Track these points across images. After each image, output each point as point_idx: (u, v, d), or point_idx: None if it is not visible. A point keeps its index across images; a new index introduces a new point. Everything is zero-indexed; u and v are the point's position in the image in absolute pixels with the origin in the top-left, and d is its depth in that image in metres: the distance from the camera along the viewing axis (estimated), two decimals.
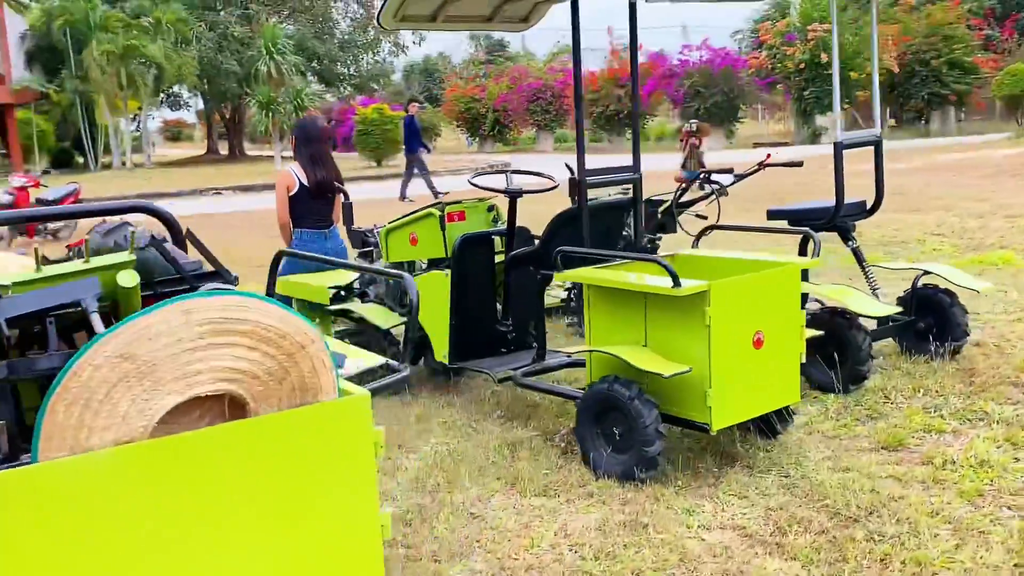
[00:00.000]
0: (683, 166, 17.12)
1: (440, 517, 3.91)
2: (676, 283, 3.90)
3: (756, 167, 6.52)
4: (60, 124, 42.40)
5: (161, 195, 23.36)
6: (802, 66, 33.20)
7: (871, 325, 5.67)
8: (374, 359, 2.85)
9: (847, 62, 33.21)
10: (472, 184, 5.24)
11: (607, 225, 5.05)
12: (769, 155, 6.38)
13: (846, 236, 5.73)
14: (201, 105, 50.20)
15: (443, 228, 5.30)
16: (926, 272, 5.74)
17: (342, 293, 5.97)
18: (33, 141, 39.85)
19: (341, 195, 6.57)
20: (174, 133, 79.26)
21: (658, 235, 6.82)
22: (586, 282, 4.33)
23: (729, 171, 6.71)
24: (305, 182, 6.43)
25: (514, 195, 5.15)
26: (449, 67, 59.44)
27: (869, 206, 5.78)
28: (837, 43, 5.46)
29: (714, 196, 6.61)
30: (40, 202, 15.44)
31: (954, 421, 4.73)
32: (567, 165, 6.18)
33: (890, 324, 5.69)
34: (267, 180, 27.04)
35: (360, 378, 2.74)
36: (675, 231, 6.76)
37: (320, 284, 6.03)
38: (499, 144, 44.06)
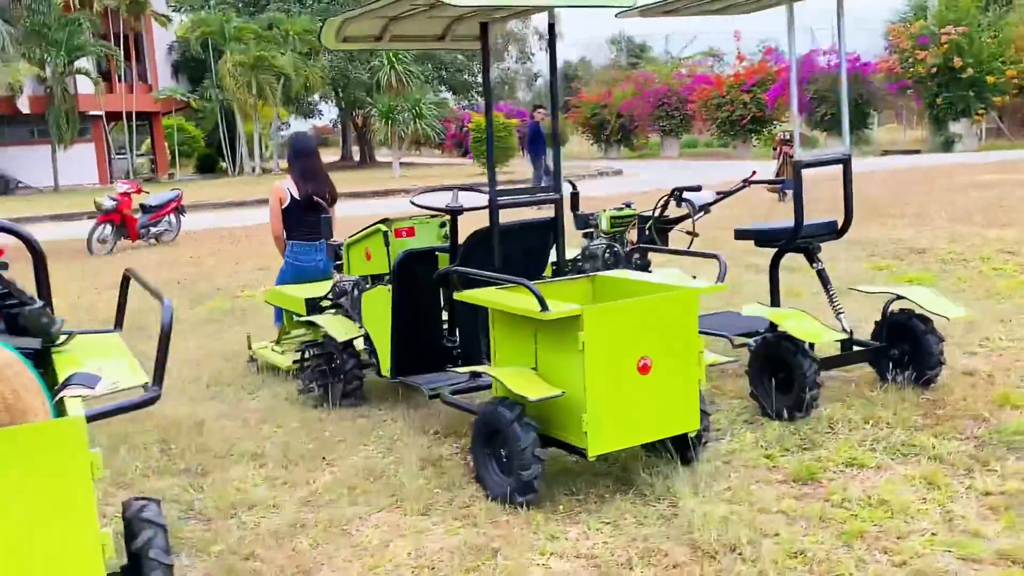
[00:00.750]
0: (776, 175, 16.73)
1: (312, 532, 3.99)
2: (543, 307, 3.87)
3: (740, 184, 6.34)
4: (211, 131, 44.58)
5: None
6: (934, 70, 31.83)
7: (835, 350, 5.47)
8: (134, 379, 2.94)
9: (984, 65, 31.71)
10: (413, 204, 5.31)
11: (531, 245, 5.02)
12: (754, 172, 6.19)
13: (811, 257, 5.52)
14: (335, 113, 51.88)
15: (387, 244, 5.38)
16: (899, 296, 5.49)
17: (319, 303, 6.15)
18: (177, 147, 42.04)
19: (332, 208, 6.76)
20: (321, 140, 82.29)
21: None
22: (474, 302, 4.34)
23: (697, 188, 6.55)
24: (296, 196, 6.64)
25: (455, 213, 5.19)
26: (589, 72, 59.61)
27: (840, 226, 5.55)
28: (795, 59, 5.28)
29: (702, 213, 6.48)
30: (143, 207, 16.27)
31: (885, 456, 4.52)
32: (570, 181, 6.21)
33: (853, 350, 5.46)
34: (381, 187, 27.74)
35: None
36: (666, 246, 6.65)
37: (299, 295, 6.22)
38: (624, 149, 43.85)
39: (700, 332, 5.74)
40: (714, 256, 4.80)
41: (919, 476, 4.23)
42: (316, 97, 45.93)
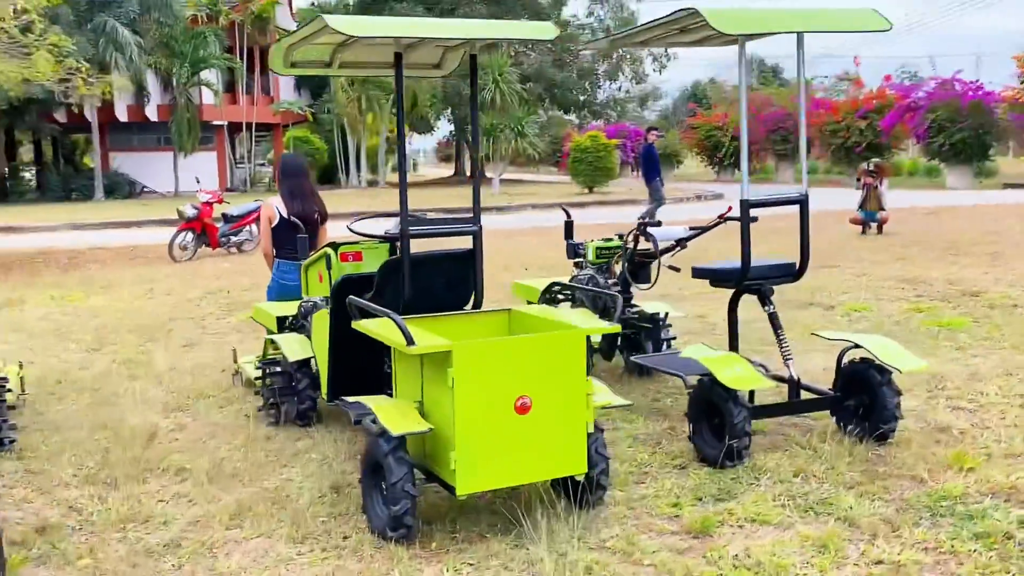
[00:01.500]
0: (860, 207, 16.21)
1: (181, 554, 4.03)
2: (409, 342, 3.83)
3: (716, 220, 6.14)
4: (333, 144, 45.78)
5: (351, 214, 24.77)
6: None
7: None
8: None
9: None
10: (350, 230, 5.33)
11: (456, 275, 4.97)
12: (730, 208, 5.98)
13: (763, 299, 5.31)
14: (449, 129, 52.67)
15: (329, 268, 5.41)
16: (856, 345, 5.22)
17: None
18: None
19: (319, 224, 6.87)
20: (446, 154, 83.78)
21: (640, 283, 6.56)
22: (364, 331, 4.32)
23: (658, 224, 6.37)
24: (284, 214, 6.76)
25: (392, 240, 5.19)
26: (720, 93, 58.73)
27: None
28: (802, 91, 5.08)
29: (677, 248, 6.31)
30: (225, 217, 16.84)
31: (794, 513, 4.29)
32: (564, 209, 6.15)
33: (801, 399, 5.22)
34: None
35: None
36: (648, 281, 6.49)
37: (274, 313, 6.33)
38: (738, 172, 43.08)
39: (659, 370, 5.65)
40: (610, 294, 4.66)
41: (816, 538, 4.00)
42: (429, 112, 46.73)
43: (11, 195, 37.01)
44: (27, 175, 42.88)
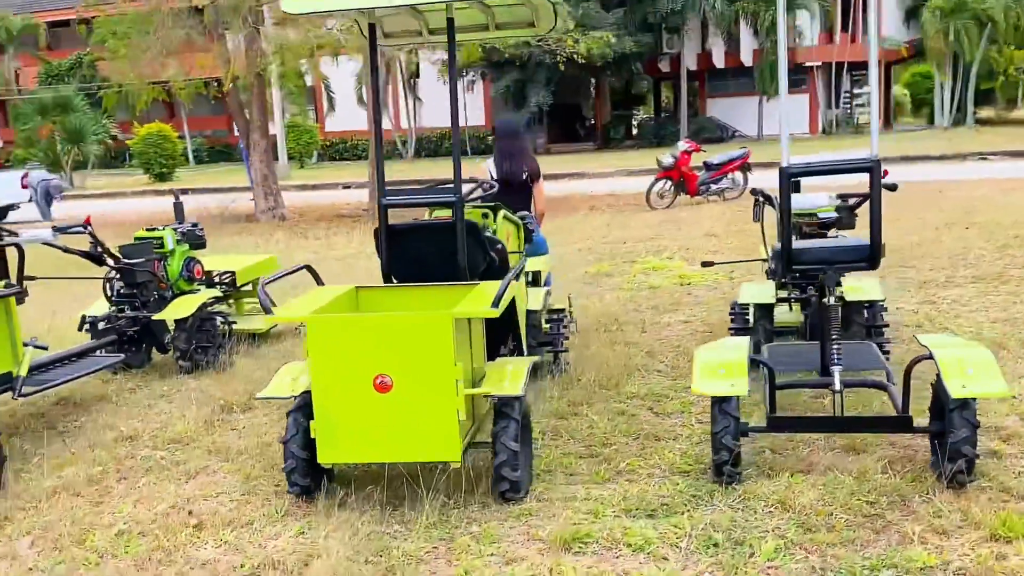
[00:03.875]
0: None
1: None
2: (266, 311, 4.02)
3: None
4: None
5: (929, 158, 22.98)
6: None
7: None
8: None
9: None
10: None
11: (450, 246, 4.77)
12: (886, 172, 4.76)
13: (822, 290, 4.34)
14: None
15: None
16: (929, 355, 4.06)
17: None
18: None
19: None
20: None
21: None
22: None
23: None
24: (494, 175, 7.03)
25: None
26: None
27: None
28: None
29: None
30: (706, 165, 17.04)
31: (679, 546, 3.64)
32: None
33: (844, 416, 4.21)
34: None
35: None
36: None
37: None
38: None
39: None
40: None
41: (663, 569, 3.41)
42: None
43: (610, 142, 40.47)
44: (635, 121, 46.21)
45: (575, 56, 20.51)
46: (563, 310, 6.24)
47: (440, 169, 30.96)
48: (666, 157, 16.85)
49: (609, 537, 3.75)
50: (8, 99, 44.77)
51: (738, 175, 17.10)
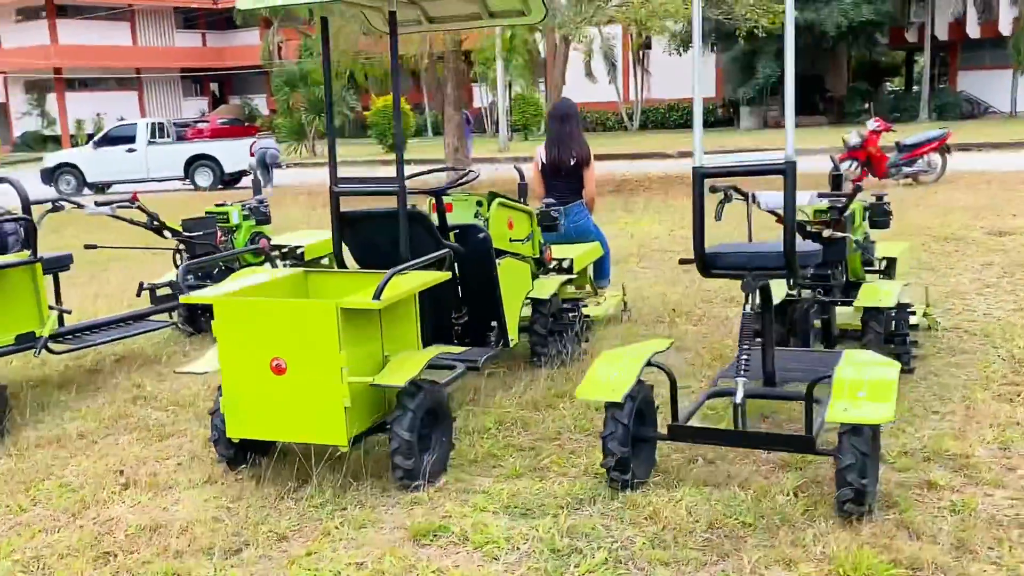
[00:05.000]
0: None
1: None
2: (182, 291, 4.29)
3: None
4: None
5: None
6: None
7: None
8: None
9: None
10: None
11: (385, 235, 4.81)
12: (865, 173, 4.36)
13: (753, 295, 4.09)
14: None
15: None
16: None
17: None
18: None
19: None
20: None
21: None
22: None
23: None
24: (544, 160, 7.03)
25: (436, 193, 5.29)
26: None
27: None
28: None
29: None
30: (898, 146, 15.95)
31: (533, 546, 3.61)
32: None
33: (744, 430, 3.96)
34: None
35: None
36: None
37: None
38: None
39: None
40: None
41: (482, 569, 3.42)
42: None
43: (845, 116, 38.22)
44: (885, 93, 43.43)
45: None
46: (578, 300, 6.19)
47: (662, 141, 30.63)
48: (852, 136, 15.92)
49: (461, 533, 3.77)
50: (270, 71, 48.26)
51: (935, 156, 15.91)
